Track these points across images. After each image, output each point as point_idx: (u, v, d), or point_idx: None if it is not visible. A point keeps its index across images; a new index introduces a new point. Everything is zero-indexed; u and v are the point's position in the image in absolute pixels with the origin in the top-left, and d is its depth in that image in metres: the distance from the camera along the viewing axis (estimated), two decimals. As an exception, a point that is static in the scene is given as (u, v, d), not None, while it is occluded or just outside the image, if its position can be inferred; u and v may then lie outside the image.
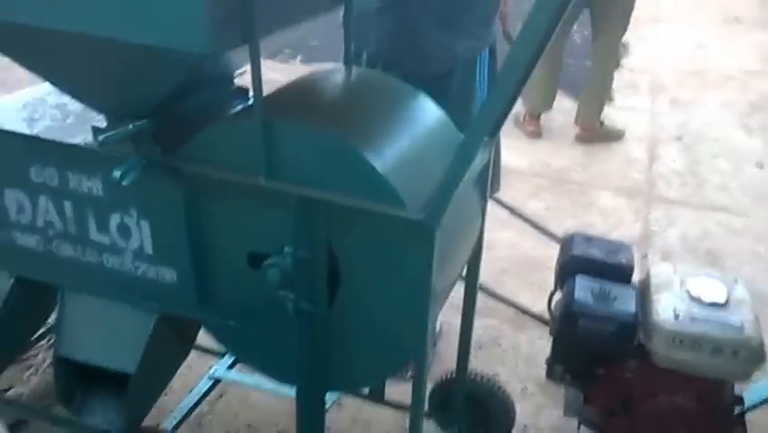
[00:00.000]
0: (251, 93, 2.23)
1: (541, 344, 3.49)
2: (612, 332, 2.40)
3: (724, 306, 2.40)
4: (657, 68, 7.86)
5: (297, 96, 2.19)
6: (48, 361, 3.19)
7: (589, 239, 2.75)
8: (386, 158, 1.91)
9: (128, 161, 1.93)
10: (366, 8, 2.82)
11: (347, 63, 2.44)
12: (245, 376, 3.12)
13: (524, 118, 6.19)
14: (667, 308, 2.40)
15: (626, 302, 2.45)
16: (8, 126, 2.17)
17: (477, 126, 1.78)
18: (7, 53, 1.99)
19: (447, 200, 1.80)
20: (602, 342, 2.41)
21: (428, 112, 2.29)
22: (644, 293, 2.53)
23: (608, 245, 2.72)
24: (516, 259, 4.40)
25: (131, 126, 1.94)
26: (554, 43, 5.51)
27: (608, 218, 5.02)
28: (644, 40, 8.65)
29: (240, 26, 1.71)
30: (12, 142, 2.16)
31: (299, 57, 7.39)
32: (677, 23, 9.53)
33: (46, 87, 2.37)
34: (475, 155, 1.80)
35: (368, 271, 1.96)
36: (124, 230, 2.13)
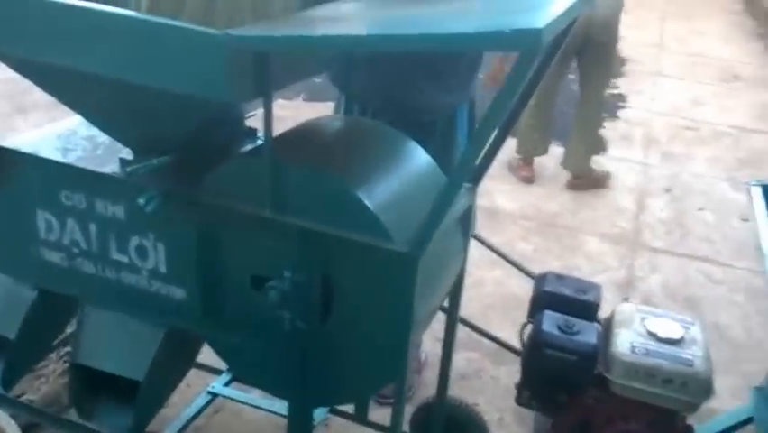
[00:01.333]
0: (259, 133, 2.53)
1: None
2: (574, 361, 2.64)
3: (678, 342, 2.64)
4: (652, 121, 8.08)
5: (301, 139, 2.46)
6: (57, 371, 3.41)
7: (561, 277, 3.01)
8: (377, 197, 2.17)
9: (151, 191, 2.19)
10: (361, 62, 3.04)
11: (346, 112, 2.70)
12: (240, 393, 3.34)
13: (517, 164, 6.38)
14: (625, 341, 2.65)
15: (588, 335, 2.69)
16: (45, 154, 2.44)
17: (458, 172, 2.02)
18: (47, 89, 2.26)
19: (429, 236, 2.05)
20: (565, 371, 2.65)
21: (417, 157, 2.54)
22: (607, 328, 2.78)
23: (578, 284, 2.98)
24: (501, 296, 4.64)
25: (155, 161, 2.23)
26: (547, 90, 5.82)
27: (593, 262, 5.23)
28: (641, 93, 8.86)
29: (256, 80, 1.96)
30: (47, 169, 2.41)
31: (303, 95, 7.64)
32: (676, 78, 9.73)
33: (77, 120, 2.63)
34: (455, 197, 2.03)
35: (357, 296, 2.20)
36: (142, 251, 2.37)
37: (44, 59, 2.03)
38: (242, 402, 3.33)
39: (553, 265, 4.91)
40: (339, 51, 2.64)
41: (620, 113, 8.14)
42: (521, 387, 2.82)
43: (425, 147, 2.58)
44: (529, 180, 6.33)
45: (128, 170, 2.25)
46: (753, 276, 5.17)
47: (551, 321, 2.72)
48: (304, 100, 7.55)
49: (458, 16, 2.11)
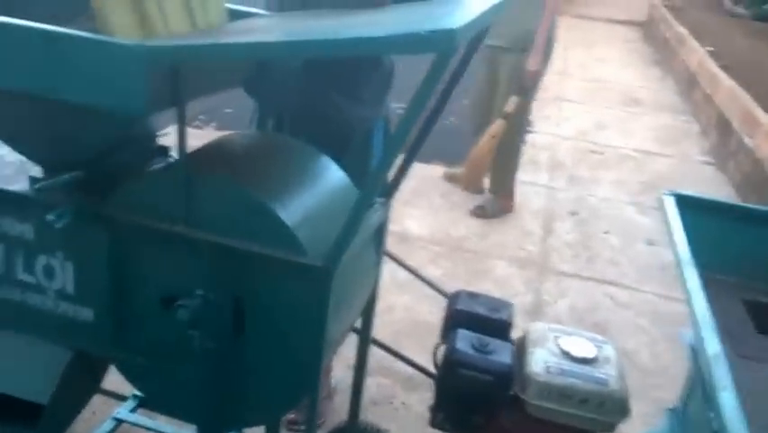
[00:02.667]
0: (170, 151, 2.47)
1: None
2: (489, 382, 2.60)
3: (592, 361, 2.63)
4: (557, 145, 8.24)
5: (215, 154, 2.42)
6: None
7: (474, 296, 2.98)
8: (291, 212, 2.15)
9: (61, 207, 2.14)
10: (277, 76, 3.02)
11: (259, 127, 2.67)
12: (147, 420, 3.26)
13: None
14: (540, 360, 2.62)
15: (503, 355, 2.66)
16: None
17: (370, 187, 2.01)
18: None
19: (343, 250, 2.03)
20: (480, 391, 2.61)
21: (331, 174, 2.53)
22: (520, 348, 2.76)
23: (491, 302, 2.95)
24: (412, 321, 4.61)
25: (66, 176, 2.16)
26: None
27: (502, 287, 5.22)
28: (546, 119, 9.05)
29: (168, 92, 1.94)
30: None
31: (213, 124, 7.61)
32: (579, 103, 9.97)
33: None
34: (368, 210, 2.05)
35: (270, 313, 2.17)
36: (49, 271, 2.31)
37: None
38: (149, 429, 3.25)
39: (463, 289, 4.90)
40: (250, 60, 2.61)
41: (526, 137, 8.19)
42: (435, 409, 2.77)
43: (339, 163, 2.58)
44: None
45: (37, 186, 2.20)
46: (658, 300, 5.26)
47: (465, 340, 2.68)
48: (215, 129, 7.50)
49: (372, 24, 2.13)
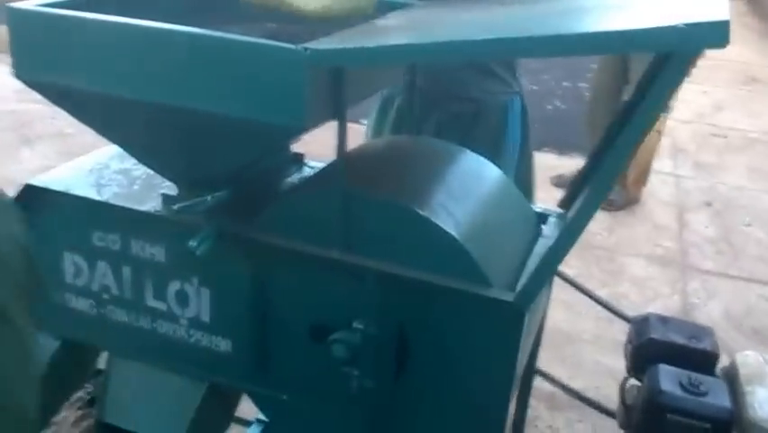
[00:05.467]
0: (305, 160, 2.28)
1: (580, 427, 3.39)
2: (705, 430, 2.16)
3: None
4: (676, 130, 7.65)
5: (371, 166, 2.15)
6: (70, 419, 3.03)
7: (665, 320, 2.52)
8: (468, 234, 1.87)
9: (203, 231, 1.89)
10: None
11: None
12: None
13: None
14: (764, 403, 2.20)
15: (718, 396, 2.21)
16: (78, 192, 2.15)
17: (587, 205, 1.76)
18: (86, 121, 2.00)
19: (543, 282, 1.79)
20: (694, 440, 2.22)
21: (494, 179, 2.27)
22: (732, 385, 2.32)
23: (687, 328, 2.50)
24: (547, 331, 4.26)
25: (209, 198, 1.90)
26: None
27: (642, 289, 4.83)
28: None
29: (329, 104, 1.70)
30: (79, 207, 2.13)
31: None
32: (693, 83, 9.44)
33: (108, 151, 2.37)
34: (579, 236, 1.76)
35: (442, 350, 1.90)
36: (182, 297, 2.09)
37: (88, 88, 1.82)
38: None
39: (601, 293, 4.53)
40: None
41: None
42: None
43: (472, 141, 2.41)
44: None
45: (176, 207, 1.95)
46: None
47: (670, 378, 2.23)
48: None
49: (570, 16, 1.84)
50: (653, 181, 6.30)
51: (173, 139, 1.92)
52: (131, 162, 2.24)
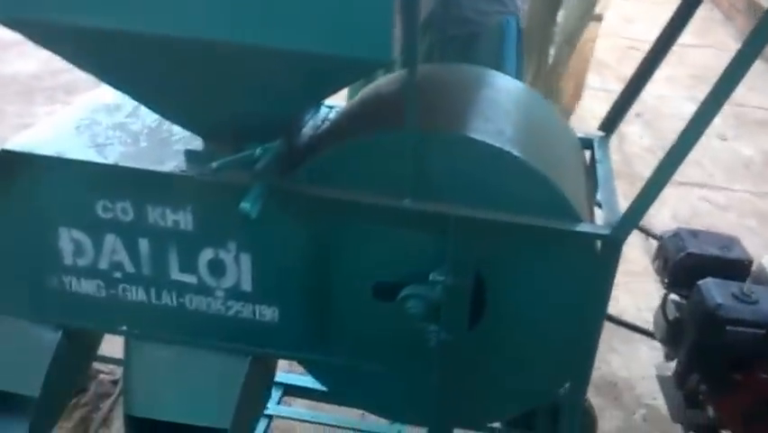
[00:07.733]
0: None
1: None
2: (762, 336, 2.13)
3: None
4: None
5: (427, 101, 1.83)
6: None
7: (695, 234, 2.47)
8: (550, 169, 1.71)
9: (254, 189, 1.63)
10: None
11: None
12: (299, 410, 2.81)
13: None
14: None
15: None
16: (74, 155, 1.82)
17: (688, 132, 1.61)
18: (84, 64, 1.67)
19: (642, 213, 1.65)
20: (750, 347, 2.15)
21: (539, 105, 2.14)
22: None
23: (716, 239, 2.46)
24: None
25: (258, 150, 1.64)
26: None
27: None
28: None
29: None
30: (79, 174, 1.81)
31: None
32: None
33: (86, 104, 2.06)
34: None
35: (525, 293, 1.75)
36: (217, 267, 1.84)
37: (111, 26, 1.47)
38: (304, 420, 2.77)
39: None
40: None
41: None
42: (686, 370, 2.29)
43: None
44: None
45: (215, 164, 1.65)
46: (756, 198, 4.98)
47: (721, 290, 2.18)
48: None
49: None
50: (584, 96, 6.22)
51: (215, 85, 1.62)
52: (122, 115, 1.97)
